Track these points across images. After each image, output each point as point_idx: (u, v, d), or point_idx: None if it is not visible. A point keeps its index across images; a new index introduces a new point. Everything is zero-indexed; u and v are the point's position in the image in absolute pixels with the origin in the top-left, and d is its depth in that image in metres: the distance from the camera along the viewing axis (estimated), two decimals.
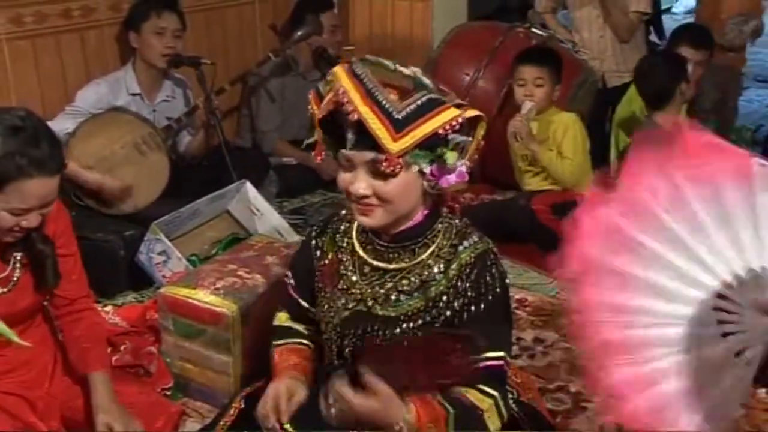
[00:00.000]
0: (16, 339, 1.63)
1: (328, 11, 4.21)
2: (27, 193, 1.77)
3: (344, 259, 1.79)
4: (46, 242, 1.94)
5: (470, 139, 1.64)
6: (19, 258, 1.94)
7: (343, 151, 1.62)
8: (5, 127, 1.76)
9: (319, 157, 1.71)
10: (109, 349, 2.38)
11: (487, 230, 1.78)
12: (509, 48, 3.89)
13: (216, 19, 4.17)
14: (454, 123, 1.56)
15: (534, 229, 3.37)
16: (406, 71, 1.62)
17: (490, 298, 1.68)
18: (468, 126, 1.63)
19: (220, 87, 3.65)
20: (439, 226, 1.73)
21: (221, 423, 1.88)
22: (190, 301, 2.40)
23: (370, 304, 1.74)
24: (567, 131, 3.53)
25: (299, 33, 3.95)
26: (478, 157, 1.70)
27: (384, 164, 1.55)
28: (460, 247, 1.70)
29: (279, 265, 2.54)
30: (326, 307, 1.81)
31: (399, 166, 1.55)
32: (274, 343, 1.92)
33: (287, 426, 1.71)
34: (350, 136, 1.60)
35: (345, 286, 1.77)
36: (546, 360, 2.69)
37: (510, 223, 3.43)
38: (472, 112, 1.61)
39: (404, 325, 1.71)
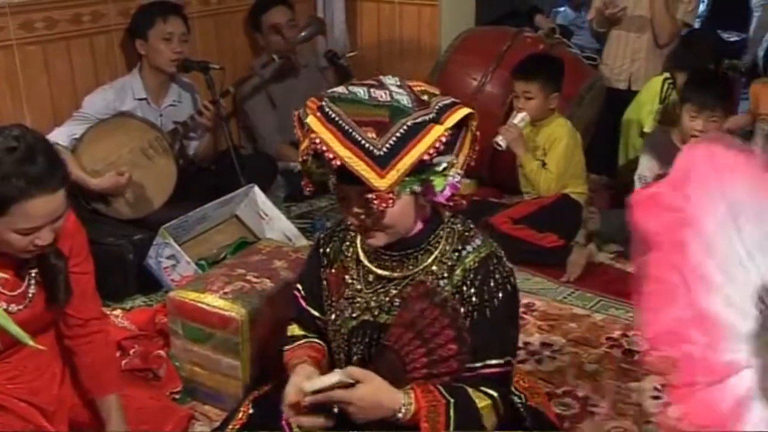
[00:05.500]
0: (31, 343, 1.64)
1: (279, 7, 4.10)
2: (32, 213, 1.70)
3: (349, 268, 1.79)
4: (59, 257, 1.91)
5: (455, 158, 1.63)
6: (33, 275, 1.92)
7: (335, 183, 1.61)
8: None
9: (307, 189, 1.72)
10: (118, 353, 2.39)
11: None
12: (517, 53, 3.89)
13: (224, 24, 4.19)
14: (437, 145, 1.54)
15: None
16: (382, 97, 1.57)
17: (494, 303, 1.68)
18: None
19: (225, 89, 3.67)
20: (441, 231, 1.72)
21: (230, 427, 1.88)
22: (199, 305, 2.41)
23: (376, 313, 1.74)
24: (554, 142, 3.53)
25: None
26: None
27: (375, 201, 1.53)
28: (464, 252, 1.70)
29: (287, 269, 2.56)
30: (333, 316, 1.81)
31: (391, 201, 1.54)
32: (284, 348, 1.90)
33: (296, 429, 1.71)
34: (336, 175, 1.58)
35: (350, 295, 1.77)
36: (553, 365, 2.69)
37: None
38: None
39: None
